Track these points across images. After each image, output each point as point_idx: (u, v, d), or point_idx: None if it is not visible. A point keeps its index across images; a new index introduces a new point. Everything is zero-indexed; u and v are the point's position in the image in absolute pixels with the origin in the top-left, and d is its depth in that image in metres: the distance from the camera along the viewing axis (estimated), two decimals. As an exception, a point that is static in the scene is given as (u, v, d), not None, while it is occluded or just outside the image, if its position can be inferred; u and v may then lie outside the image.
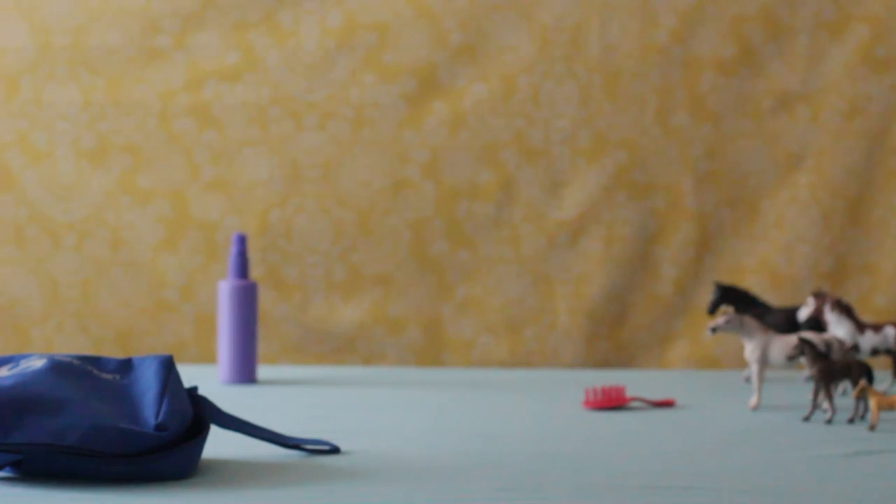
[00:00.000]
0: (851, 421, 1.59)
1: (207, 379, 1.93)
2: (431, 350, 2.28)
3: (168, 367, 1.24)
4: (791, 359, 1.70)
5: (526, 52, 2.29)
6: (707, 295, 2.26)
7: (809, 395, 1.75)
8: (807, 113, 2.28)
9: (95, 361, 1.25)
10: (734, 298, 1.95)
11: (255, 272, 2.28)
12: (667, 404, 1.73)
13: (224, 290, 1.91)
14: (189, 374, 2.00)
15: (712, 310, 1.93)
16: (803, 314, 1.84)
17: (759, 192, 2.29)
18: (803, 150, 2.29)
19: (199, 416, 1.25)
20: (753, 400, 1.72)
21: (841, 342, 1.72)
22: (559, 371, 2.16)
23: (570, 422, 1.57)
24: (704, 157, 2.29)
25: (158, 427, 1.17)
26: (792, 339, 1.72)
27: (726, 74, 2.28)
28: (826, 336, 1.74)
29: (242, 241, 1.94)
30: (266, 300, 2.28)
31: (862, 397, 1.60)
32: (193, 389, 1.27)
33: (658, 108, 2.28)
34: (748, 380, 1.97)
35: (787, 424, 1.56)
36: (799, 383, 1.96)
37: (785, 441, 1.44)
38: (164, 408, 1.19)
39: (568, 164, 2.29)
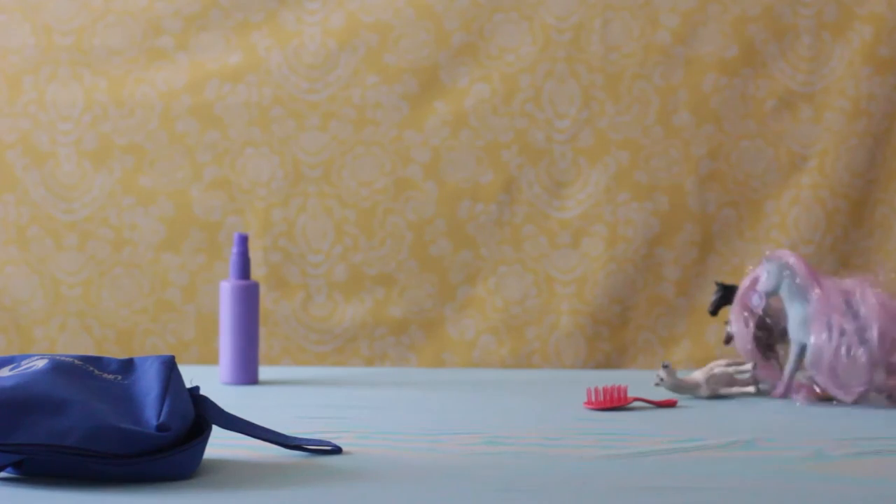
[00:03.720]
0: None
1: (209, 379, 1.93)
2: (433, 350, 2.28)
3: (170, 368, 1.23)
4: None
5: (528, 52, 2.29)
6: (709, 295, 2.26)
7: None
8: (810, 113, 2.28)
9: (97, 362, 1.25)
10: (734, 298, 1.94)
11: (257, 272, 2.28)
12: (669, 405, 1.72)
13: (226, 290, 1.91)
14: (190, 375, 2.00)
15: (714, 310, 1.93)
16: None
17: (762, 192, 2.29)
18: (806, 150, 2.28)
19: (200, 416, 1.25)
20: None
21: None
22: (561, 371, 2.16)
23: (572, 422, 1.57)
24: (707, 157, 2.28)
25: (160, 427, 1.17)
26: None
27: (729, 74, 2.28)
28: None
29: (244, 240, 1.94)
30: (268, 300, 2.28)
31: None
32: (195, 390, 1.27)
33: (660, 108, 2.28)
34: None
35: (788, 424, 1.56)
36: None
37: (786, 441, 1.44)
38: (165, 408, 1.19)
39: (570, 164, 2.29)
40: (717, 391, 1.80)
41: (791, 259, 1.72)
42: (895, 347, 1.64)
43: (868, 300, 1.64)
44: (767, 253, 1.74)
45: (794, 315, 1.72)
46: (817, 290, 1.66)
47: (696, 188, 2.28)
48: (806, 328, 1.70)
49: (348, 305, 2.29)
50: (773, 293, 1.74)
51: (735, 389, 1.81)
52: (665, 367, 1.77)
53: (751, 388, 1.81)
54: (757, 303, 1.71)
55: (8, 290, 2.29)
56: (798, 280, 1.70)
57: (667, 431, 1.50)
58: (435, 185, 2.29)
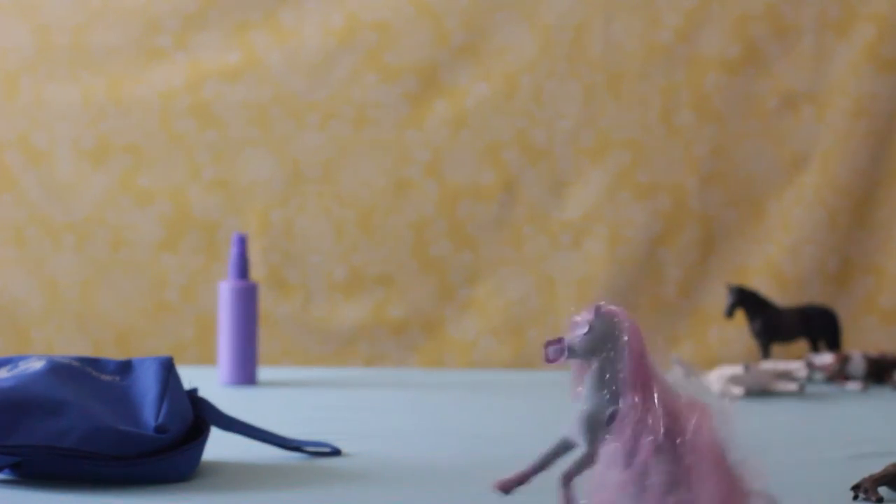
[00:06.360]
0: None
1: (208, 380, 1.92)
2: (433, 351, 2.27)
3: (168, 369, 1.23)
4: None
5: (528, 51, 2.28)
6: (711, 296, 2.25)
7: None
8: (812, 113, 2.27)
9: (95, 363, 1.24)
10: (748, 301, 1.95)
11: (256, 273, 2.27)
12: (671, 406, 1.72)
13: (225, 290, 1.90)
14: (189, 376, 1.99)
15: (730, 312, 1.92)
16: None
17: (765, 192, 2.28)
18: (809, 150, 2.28)
19: (199, 417, 1.24)
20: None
21: None
22: (562, 372, 2.16)
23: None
24: (709, 157, 2.28)
25: (158, 429, 1.16)
26: None
27: (731, 74, 2.27)
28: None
29: (243, 241, 1.93)
30: (267, 301, 2.27)
31: None
32: (194, 391, 1.26)
33: (662, 107, 2.27)
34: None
35: (789, 424, 1.56)
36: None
37: (787, 441, 1.43)
38: (164, 410, 1.18)
39: (571, 164, 2.28)
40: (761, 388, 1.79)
41: (626, 326, 0.98)
42: None
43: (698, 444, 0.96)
44: (598, 305, 0.99)
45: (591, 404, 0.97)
46: (635, 397, 0.98)
47: (698, 188, 2.27)
48: (593, 433, 0.97)
49: (348, 306, 2.28)
50: (587, 354, 0.97)
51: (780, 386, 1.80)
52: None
53: (793, 386, 1.80)
54: (553, 356, 0.99)
55: (5, 290, 2.28)
56: (622, 368, 0.98)
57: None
58: (435, 185, 2.28)
